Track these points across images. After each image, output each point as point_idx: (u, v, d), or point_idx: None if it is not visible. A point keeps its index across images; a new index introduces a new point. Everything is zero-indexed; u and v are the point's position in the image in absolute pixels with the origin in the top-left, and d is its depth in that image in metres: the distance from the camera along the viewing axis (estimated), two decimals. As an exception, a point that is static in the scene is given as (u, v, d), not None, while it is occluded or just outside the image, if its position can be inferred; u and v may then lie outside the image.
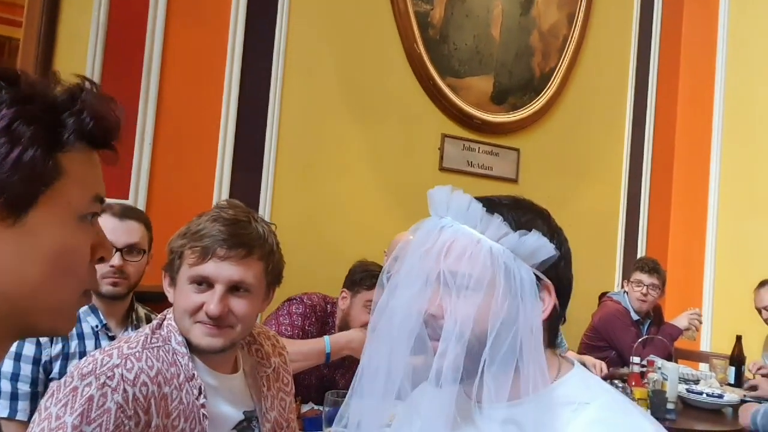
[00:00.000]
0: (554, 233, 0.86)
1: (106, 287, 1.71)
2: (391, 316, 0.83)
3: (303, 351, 1.97)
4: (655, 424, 0.83)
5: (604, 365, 2.95)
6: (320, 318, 2.22)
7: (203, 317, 1.16)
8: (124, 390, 1.05)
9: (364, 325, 2.12)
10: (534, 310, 0.80)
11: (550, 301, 0.83)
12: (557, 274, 0.84)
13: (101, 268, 1.61)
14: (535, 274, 0.82)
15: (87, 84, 0.62)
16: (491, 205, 0.85)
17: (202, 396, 1.15)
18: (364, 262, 2.28)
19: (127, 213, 1.82)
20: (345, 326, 2.17)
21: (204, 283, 1.17)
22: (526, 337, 0.79)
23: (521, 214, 0.86)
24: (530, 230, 0.82)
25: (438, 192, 0.86)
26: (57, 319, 0.62)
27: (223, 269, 1.16)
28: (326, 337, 2.04)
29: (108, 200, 0.77)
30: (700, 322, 3.34)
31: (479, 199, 0.86)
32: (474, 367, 0.79)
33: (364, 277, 2.16)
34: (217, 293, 1.16)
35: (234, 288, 1.17)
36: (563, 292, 0.86)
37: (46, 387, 1.61)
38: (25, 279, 0.57)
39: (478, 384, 0.79)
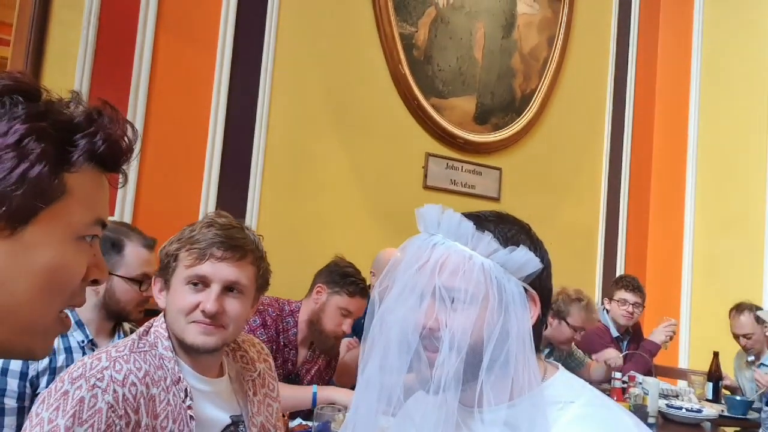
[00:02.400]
0: (537, 246, 0.92)
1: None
2: (387, 330, 0.87)
3: (294, 396, 1.98)
4: (633, 418, 0.88)
5: (620, 358, 3.06)
6: (274, 322, 2.17)
7: (199, 316, 1.19)
8: (114, 390, 1.08)
9: (337, 333, 2.14)
10: (524, 319, 0.85)
11: (535, 309, 0.89)
12: (540, 285, 0.90)
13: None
14: (523, 286, 0.87)
15: (107, 108, 0.63)
16: (479, 221, 0.90)
17: (188, 398, 1.17)
18: (342, 261, 2.27)
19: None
20: (316, 322, 2.15)
21: (200, 283, 1.20)
22: (518, 344, 0.84)
23: (507, 229, 0.91)
24: (517, 245, 0.88)
25: (429, 210, 0.90)
26: (34, 339, 0.61)
27: (219, 269, 1.20)
28: (314, 388, 2.03)
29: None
30: (674, 332, 3.39)
31: (467, 215, 0.91)
32: (472, 375, 0.84)
33: (346, 282, 2.16)
34: (213, 292, 1.19)
35: (228, 288, 1.21)
36: (545, 300, 0.91)
37: (32, 402, 1.60)
38: (13, 293, 0.57)
39: (478, 391, 0.83)
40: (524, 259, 0.86)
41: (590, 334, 3.31)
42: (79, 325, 1.74)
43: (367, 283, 2.78)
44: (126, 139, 0.63)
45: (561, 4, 4.04)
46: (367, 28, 3.30)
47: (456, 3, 3.58)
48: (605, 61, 4.31)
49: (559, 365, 0.96)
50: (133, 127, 0.65)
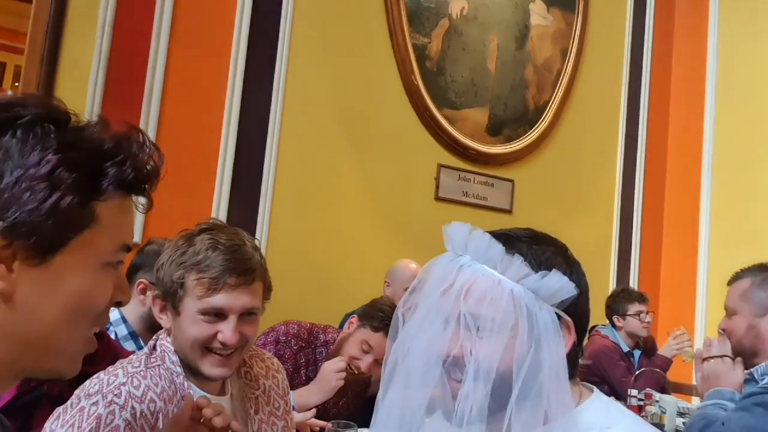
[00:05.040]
0: (573, 269, 0.86)
1: None
2: (410, 357, 0.82)
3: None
4: None
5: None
6: (293, 356, 2.13)
7: (217, 345, 1.17)
8: (132, 407, 1.06)
9: (352, 364, 2.04)
10: (557, 349, 0.80)
11: (570, 337, 0.83)
12: (576, 311, 0.84)
13: None
14: (556, 313, 0.81)
15: (135, 134, 0.62)
16: (510, 242, 0.84)
17: None
18: (384, 300, 2.20)
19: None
20: (337, 349, 2.11)
21: (217, 314, 1.17)
22: (551, 376, 0.78)
23: (540, 251, 0.85)
24: (551, 268, 0.82)
25: (456, 229, 0.86)
26: (63, 361, 0.61)
27: (235, 299, 1.16)
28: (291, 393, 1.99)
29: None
30: (688, 340, 3.30)
31: (497, 234, 0.85)
32: (499, 407, 0.78)
33: (375, 315, 2.08)
34: (231, 323, 1.16)
35: (244, 314, 1.19)
36: (582, 326, 0.86)
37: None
38: (42, 319, 0.57)
39: (506, 425, 0.77)
40: (558, 284, 0.80)
41: (599, 352, 3.24)
42: (133, 336, 1.76)
43: (381, 294, 2.77)
44: (153, 163, 0.63)
45: (575, 16, 4.02)
46: (380, 39, 3.29)
47: (469, 14, 3.57)
48: (619, 74, 4.27)
49: (594, 388, 0.91)
50: (158, 150, 0.64)
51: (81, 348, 0.62)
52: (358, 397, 2.30)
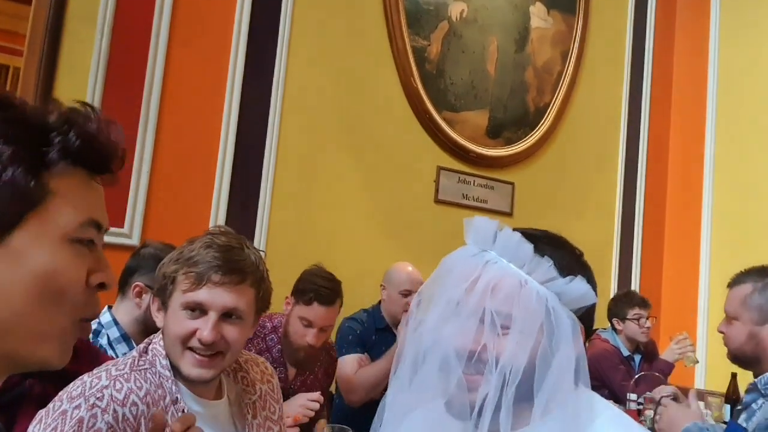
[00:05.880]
0: (589, 277, 0.87)
1: None
2: (426, 349, 0.81)
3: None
4: None
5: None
6: (256, 337, 2.12)
7: (195, 344, 1.16)
8: (114, 410, 1.05)
9: (301, 345, 2.02)
10: (574, 353, 0.80)
11: (580, 343, 0.84)
12: (588, 318, 0.85)
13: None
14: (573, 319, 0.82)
15: (83, 108, 0.61)
16: (536, 243, 0.83)
17: None
18: (311, 269, 2.15)
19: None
20: (284, 335, 2.09)
21: (197, 309, 1.17)
22: (565, 379, 0.79)
23: (562, 256, 0.85)
24: (575, 275, 0.82)
25: (483, 224, 0.84)
26: (47, 348, 0.59)
27: (217, 296, 1.16)
28: None
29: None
30: (691, 344, 3.28)
31: (522, 233, 0.85)
32: (518, 406, 0.78)
33: (303, 290, 2.05)
34: (210, 320, 1.16)
35: (227, 314, 1.17)
36: (588, 334, 0.87)
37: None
38: (10, 301, 0.55)
39: (532, 418, 0.78)
40: (582, 290, 0.81)
41: (598, 356, 3.21)
42: (125, 338, 1.75)
43: (379, 299, 2.75)
44: (107, 138, 0.61)
45: (575, 18, 4.02)
46: (380, 42, 3.29)
47: (469, 17, 3.57)
48: (620, 76, 4.26)
49: (611, 404, 0.91)
50: (117, 126, 0.63)
51: (63, 335, 0.59)
52: (327, 373, 2.32)
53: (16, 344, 0.57)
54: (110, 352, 1.69)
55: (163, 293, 1.20)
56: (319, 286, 2.04)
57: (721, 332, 1.92)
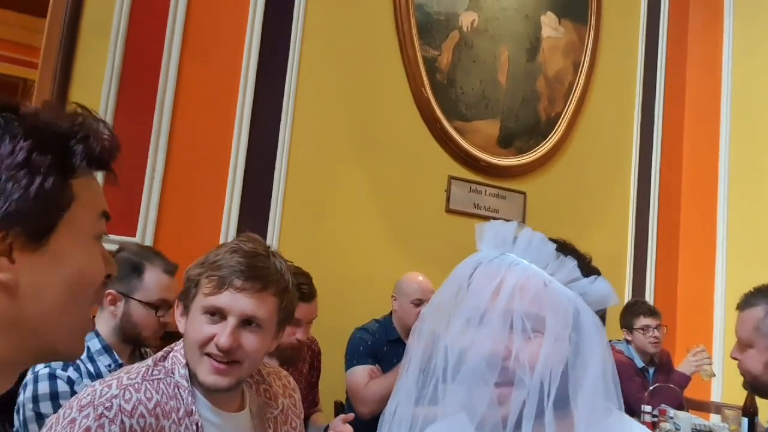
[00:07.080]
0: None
1: None
2: (448, 359, 0.78)
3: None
4: None
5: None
6: None
7: (213, 349, 1.14)
8: (122, 421, 1.05)
9: (289, 342, 1.99)
10: (600, 355, 0.78)
11: (606, 344, 0.82)
12: (603, 321, 0.83)
13: None
14: None
15: (85, 111, 0.64)
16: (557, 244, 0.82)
17: None
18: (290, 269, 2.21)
19: None
20: None
21: (217, 314, 1.15)
22: (596, 381, 0.76)
23: (575, 257, 0.83)
24: (597, 275, 0.81)
25: (501, 226, 0.82)
26: (78, 340, 0.63)
27: (237, 301, 1.14)
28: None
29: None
30: (708, 357, 3.21)
31: None
32: (549, 410, 0.75)
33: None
34: (229, 325, 1.14)
35: (246, 322, 1.16)
36: None
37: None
38: (49, 302, 0.59)
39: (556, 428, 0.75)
40: (605, 291, 0.79)
41: (611, 368, 3.17)
42: (107, 349, 1.72)
43: (390, 310, 2.74)
44: (114, 138, 0.65)
45: (587, 28, 4.01)
46: (391, 52, 3.30)
47: (480, 27, 3.57)
48: (632, 85, 4.24)
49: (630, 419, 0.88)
50: (105, 122, 0.66)
51: (87, 326, 0.64)
52: (313, 367, 2.36)
53: (51, 338, 0.60)
54: (90, 366, 1.65)
55: (186, 297, 1.19)
56: (299, 284, 2.05)
57: (735, 359, 1.79)
